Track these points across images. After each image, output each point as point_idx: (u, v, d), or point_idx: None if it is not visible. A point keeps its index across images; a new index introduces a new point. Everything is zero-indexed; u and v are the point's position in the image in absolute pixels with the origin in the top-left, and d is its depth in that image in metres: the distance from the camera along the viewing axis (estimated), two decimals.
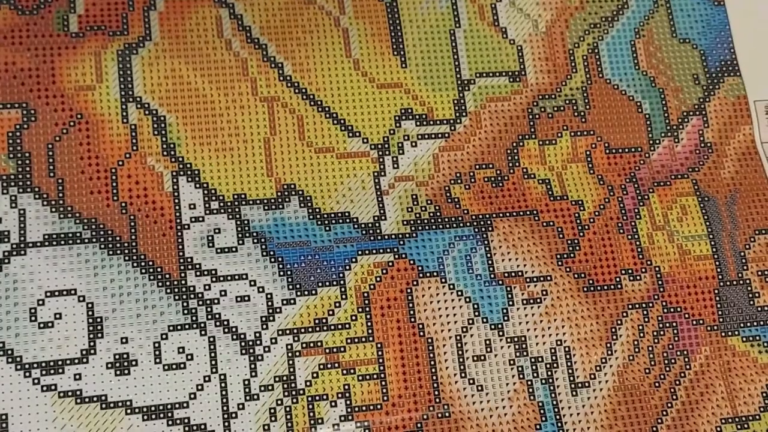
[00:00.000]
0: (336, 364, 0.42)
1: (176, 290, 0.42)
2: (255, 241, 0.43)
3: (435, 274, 0.44)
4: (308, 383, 0.42)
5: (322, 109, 0.46)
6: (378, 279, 0.44)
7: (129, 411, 0.40)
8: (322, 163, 0.45)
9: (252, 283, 0.43)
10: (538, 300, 0.45)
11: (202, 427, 0.41)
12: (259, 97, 0.46)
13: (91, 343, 0.41)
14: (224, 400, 0.41)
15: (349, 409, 0.42)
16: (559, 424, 0.43)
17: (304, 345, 0.42)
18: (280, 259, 0.43)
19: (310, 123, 0.46)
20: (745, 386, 0.45)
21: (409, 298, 0.44)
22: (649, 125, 0.49)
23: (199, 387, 0.41)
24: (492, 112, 0.48)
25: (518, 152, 0.47)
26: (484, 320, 0.44)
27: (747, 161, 0.49)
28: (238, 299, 0.43)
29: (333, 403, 0.42)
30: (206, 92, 0.45)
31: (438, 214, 0.45)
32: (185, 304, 0.42)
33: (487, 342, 0.44)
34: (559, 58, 0.49)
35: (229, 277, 0.43)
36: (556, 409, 0.43)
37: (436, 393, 0.43)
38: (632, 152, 0.48)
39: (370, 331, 0.43)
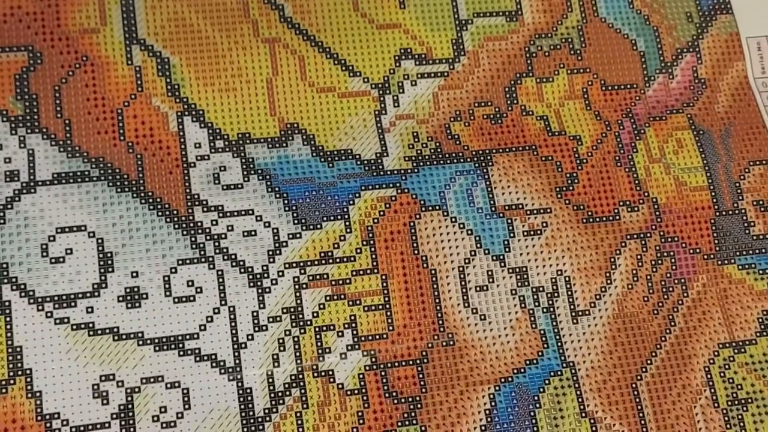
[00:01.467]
0: (342, 296, 0.43)
1: (184, 226, 0.43)
2: (260, 178, 0.44)
3: (437, 207, 0.45)
4: (315, 314, 0.43)
5: (322, 49, 0.47)
6: (381, 213, 0.45)
7: (141, 342, 0.41)
8: (324, 102, 0.46)
9: (258, 218, 0.44)
10: (539, 231, 0.46)
11: (213, 356, 0.42)
12: (260, 39, 0.46)
13: (102, 278, 0.42)
14: (233, 331, 0.42)
15: (355, 339, 0.43)
16: (561, 351, 0.44)
17: (310, 277, 0.43)
18: (285, 195, 0.44)
19: (311, 63, 0.47)
20: (741, 312, 0.46)
21: (412, 231, 0.45)
22: (643, 62, 0.50)
23: (209, 319, 0.42)
24: (490, 51, 0.48)
25: (516, 90, 0.48)
26: (486, 252, 0.45)
27: (740, 96, 0.50)
28: (245, 234, 0.43)
29: (340, 333, 0.43)
30: (209, 34, 0.46)
31: (439, 150, 0.46)
32: (193, 239, 0.43)
33: (489, 273, 0.45)
34: None
35: (235, 213, 0.44)
36: (557, 337, 0.44)
37: (440, 322, 0.44)
38: (628, 89, 0.49)
39: (374, 264, 0.44)
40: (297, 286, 0.43)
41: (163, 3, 0.46)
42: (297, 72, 0.46)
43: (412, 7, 0.48)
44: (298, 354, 0.42)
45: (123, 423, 0.40)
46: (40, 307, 0.41)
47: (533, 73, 0.48)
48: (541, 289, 0.45)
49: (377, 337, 0.43)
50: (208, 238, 0.43)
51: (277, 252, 0.43)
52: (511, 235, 0.45)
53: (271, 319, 0.43)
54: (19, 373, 0.40)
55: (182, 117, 0.45)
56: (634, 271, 0.46)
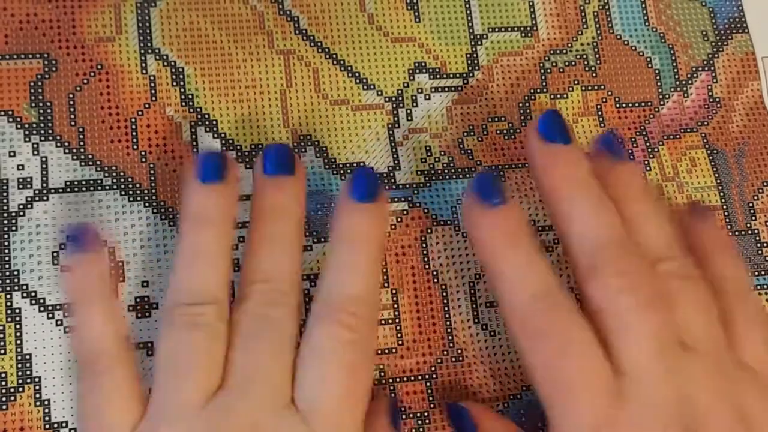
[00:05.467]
0: None
1: None
2: None
3: (449, 222, 0.45)
4: None
5: (337, 62, 0.47)
6: (393, 227, 0.45)
7: (150, 352, 0.41)
8: (338, 114, 0.46)
9: None
10: (550, 249, 0.45)
11: None
12: (275, 50, 0.46)
13: (113, 287, 0.42)
14: None
15: None
16: None
17: None
18: None
19: (325, 76, 0.47)
20: None
21: (424, 245, 0.45)
22: (658, 80, 0.49)
23: None
24: (504, 66, 0.48)
25: (530, 106, 0.48)
26: None
27: (755, 116, 0.50)
28: None
29: None
30: (223, 44, 0.46)
31: (451, 164, 0.46)
32: None
33: None
34: (570, 14, 0.50)
35: (247, 224, 0.43)
36: None
37: (450, 338, 0.44)
38: (642, 107, 0.49)
39: (385, 278, 0.44)
40: (307, 299, 0.43)
41: (178, 13, 0.46)
42: (311, 84, 0.46)
43: (427, 21, 0.48)
44: None
45: None
46: (51, 315, 0.41)
47: (547, 89, 0.48)
48: None
49: (386, 351, 0.43)
50: None
51: None
52: None
53: None
54: (28, 380, 0.40)
55: (195, 127, 0.45)
56: None
